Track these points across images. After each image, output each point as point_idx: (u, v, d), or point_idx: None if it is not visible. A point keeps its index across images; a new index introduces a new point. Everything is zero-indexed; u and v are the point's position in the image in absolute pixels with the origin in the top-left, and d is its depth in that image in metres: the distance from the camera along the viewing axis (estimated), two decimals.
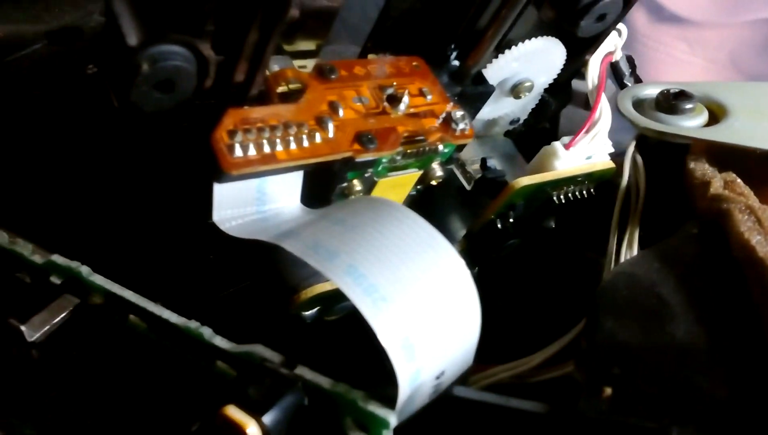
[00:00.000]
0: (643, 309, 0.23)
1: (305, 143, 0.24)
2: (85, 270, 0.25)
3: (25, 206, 0.29)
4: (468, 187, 0.32)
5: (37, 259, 0.26)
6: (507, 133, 0.35)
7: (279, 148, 0.23)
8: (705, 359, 0.21)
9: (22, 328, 0.25)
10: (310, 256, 0.21)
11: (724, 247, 0.25)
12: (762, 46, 0.61)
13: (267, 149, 0.23)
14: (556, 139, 0.32)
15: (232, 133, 0.23)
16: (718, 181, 0.28)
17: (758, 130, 0.31)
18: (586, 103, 0.35)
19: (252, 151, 0.23)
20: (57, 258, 0.26)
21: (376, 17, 0.28)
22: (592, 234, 0.33)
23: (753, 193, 0.28)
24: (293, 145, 0.24)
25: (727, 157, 0.30)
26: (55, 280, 0.26)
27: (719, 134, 0.31)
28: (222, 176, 0.23)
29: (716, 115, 0.32)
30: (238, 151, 0.23)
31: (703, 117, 0.32)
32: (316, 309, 0.29)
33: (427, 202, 0.31)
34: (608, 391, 0.21)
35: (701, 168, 0.30)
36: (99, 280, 0.25)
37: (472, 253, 0.32)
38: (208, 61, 0.22)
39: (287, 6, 0.21)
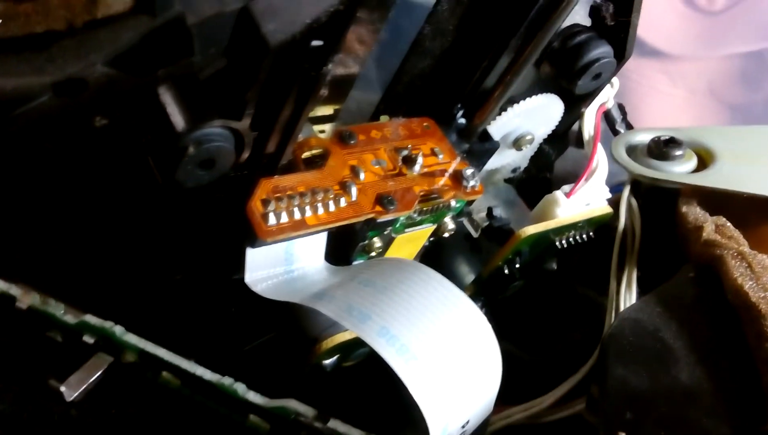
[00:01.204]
0: (650, 354, 0.25)
1: (331, 207, 0.26)
2: (118, 329, 0.26)
3: (54, 263, 0.31)
4: (475, 235, 0.34)
5: (70, 319, 0.27)
6: (508, 180, 0.37)
7: (308, 213, 0.25)
8: (708, 400, 0.23)
9: (62, 388, 0.26)
10: (344, 319, 0.23)
11: (720, 290, 0.27)
12: (738, 77, 0.64)
13: (297, 215, 0.25)
14: (552, 181, 0.34)
15: (265, 202, 0.25)
16: (710, 226, 0.30)
17: (744, 174, 0.33)
18: (578, 141, 0.37)
19: (284, 218, 0.25)
20: (90, 318, 0.27)
21: (387, 82, 0.30)
22: (594, 274, 0.35)
23: (742, 235, 0.30)
24: (321, 210, 0.25)
25: (717, 200, 0.33)
26: (88, 339, 0.27)
27: (708, 179, 0.33)
28: (257, 242, 0.24)
29: (704, 160, 0.34)
30: (272, 220, 0.24)
31: (693, 162, 0.34)
32: (335, 357, 0.31)
33: (438, 250, 0.33)
34: None
35: (693, 212, 0.32)
36: (132, 338, 0.26)
37: (481, 295, 0.34)
38: (245, 138, 0.24)
39: (320, 85, 0.23)
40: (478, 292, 0.34)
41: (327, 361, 0.30)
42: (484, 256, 0.34)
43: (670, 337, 0.25)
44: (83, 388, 0.26)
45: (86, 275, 0.30)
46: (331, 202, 0.26)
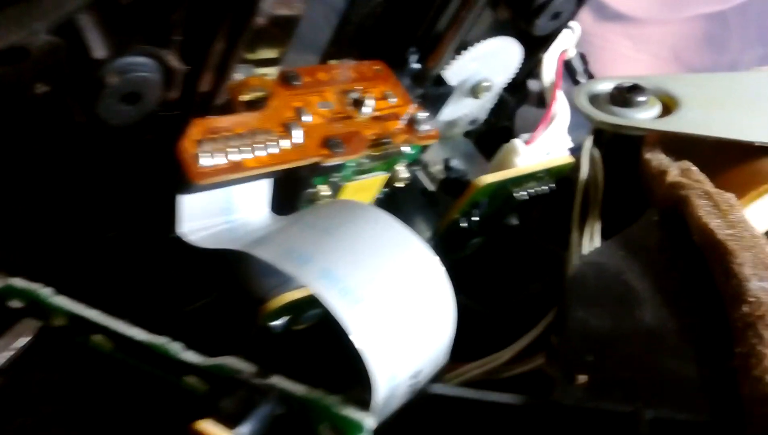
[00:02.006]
0: (612, 296, 0.23)
1: (273, 150, 0.24)
2: (46, 292, 0.24)
3: None
4: (432, 189, 0.32)
5: None
6: (466, 134, 0.36)
7: (247, 155, 0.23)
8: (673, 341, 0.22)
9: None
10: (283, 262, 0.21)
11: (685, 232, 0.26)
12: (702, 40, 0.63)
13: (235, 157, 0.23)
14: (513, 137, 0.32)
15: (198, 143, 0.23)
16: (674, 170, 0.29)
17: (709, 119, 0.32)
18: (540, 102, 0.36)
19: (220, 160, 0.23)
20: (16, 281, 0.25)
21: (335, 24, 0.29)
22: (555, 228, 0.34)
23: (708, 179, 0.29)
24: (261, 153, 0.24)
25: (682, 146, 0.31)
26: (15, 304, 0.25)
27: (672, 124, 0.31)
28: (190, 186, 0.23)
29: (669, 106, 0.33)
30: (206, 161, 0.23)
31: (657, 109, 0.33)
32: (285, 319, 0.29)
33: (393, 205, 0.31)
34: (582, 378, 0.21)
35: (657, 158, 0.31)
36: (62, 301, 0.24)
37: (438, 253, 0.32)
38: (175, 72, 0.22)
39: (253, 14, 0.21)
40: (435, 248, 0.32)
41: (275, 323, 0.29)
42: (442, 211, 0.32)
43: (634, 279, 0.24)
44: (9, 355, 0.24)
45: (10, 234, 0.28)
46: (272, 145, 0.24)
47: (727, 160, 0.31)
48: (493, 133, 0.36)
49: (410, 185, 0.32)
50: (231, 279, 0.28)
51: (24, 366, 0.25)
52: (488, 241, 0.34)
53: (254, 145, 0.24)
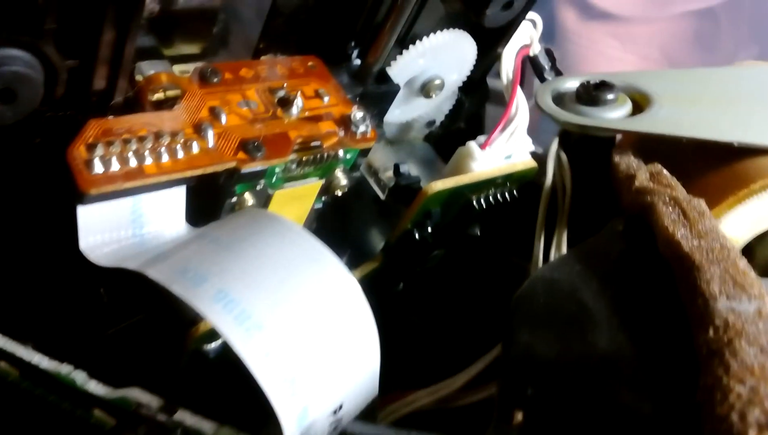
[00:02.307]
0: (563, 317, 0.20)
1: (180, 154, 0.21)
2: None
3: None
4: (382, 197, 0.29)
5: None
6: (426, 137, 0.33)
7: (148, 161, 0.21)
8: (630, 370, 0.19)
9: None
10: (175, 282, 0.18)
11: (651, 244, 0.23)
12: (692, 38, 0.60)
13: (133, 163, 0.20)
14: (467, 132, 0.30)
15: (91, 147, 0.20)
16: (643, 174, 0.26)
17: (684, 117, 0.29)
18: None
19: (115, 166, 0.20)
20: None
21: (263, 16, 0.26)
22: (519, 239, 0.31)
23: (682, 184, 0.26)
24: (165, 158, 0.21)
25: (654, 148, 0.29)
26: None
27: (643, 124, 0.29)
28: (82, 197, 0.20)
29: (640, 104, 0.30)
30: (98, 167, 0.20)
31: (627, 107, 0.30)
32: (220, 341, 0.26)
33: (339, 216, 0.29)
34: (519, 416, 0.18)
35: (626, 161, 0.28)
36: None
37: (392, 267, 0.30)
38: (56, 66, 0.19)
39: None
40: (389, 263, 0.29)
41: (209, 346, 0.26)
42: (394, 221, 0.29)
43: (590, 297, 0.21)
44: None
45: None
46: (179, 148, 0.21)
47: (705, 163, 0.28)
48: (454, 138, 0.33)
49: (359, 193, 0.29)
50: (159, 297, 0.25)
51: None
52: (449, 255, 0.31)
53: (158, 149, 0.21)
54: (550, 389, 0.19)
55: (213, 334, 0.26)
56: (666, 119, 0.29)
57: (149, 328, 0.27)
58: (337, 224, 0.29)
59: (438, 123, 0.32)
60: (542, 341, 0.20)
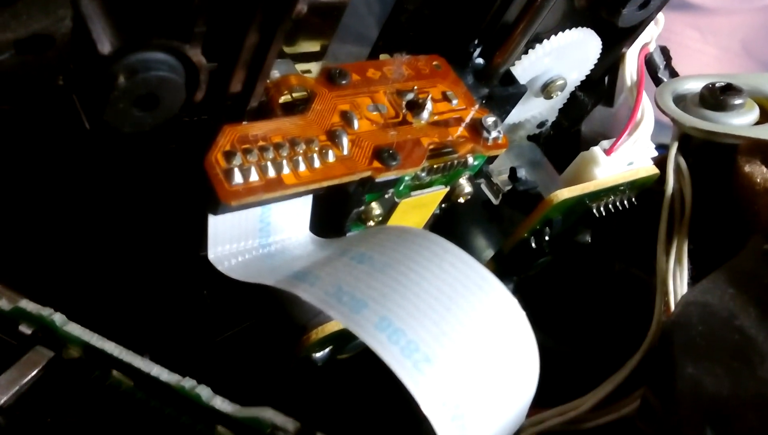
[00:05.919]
0: (727, 349, 0.19)
1: (316, 163, 0.20)
2: (58, 318, 0.21)
3: None
4: (495, 202, 0.28)
5: (4, 304, 0.22)
6: (531, 137, 0.32)
7: (286, 170, 0.20)
8: None
9: None
10: (332, 307, 0.17)
11: None
12: None
13: (272, 173, 0.19)
14: (579, 142, 0.28)
15: (229, 155, 0.19)
16: None
17: None
18: (607, 100, 0.32)
19: (254, 176, 0.19)
20: (26, 304, 0.22)
21: (387, 12, 0.25)
22: (633, 248, 0.30)
23: None
24: (303, 167, 0.20)
25: None
26: (25, 329, 0.22)
27: None
28: (219, 207, 0.19)
29: (767, 110, 0.29)
30: (238, 177, 0.19)
31: (755, 113, 0.28)
32: (327, 349, 0.25)
33: (449, 220, 0.27)
34: None
35: (760, 172, 0.26)
36: (75, 329, 0.21)
37: (500, 275, 0.28)
38: (199, 70, 0.18)
39: (293, 1, 0.17)
40: (498, 271, 0.28)
41: (318, 354, 0.25)
42: (506, 227, 0.28)
43: (751, 325, 0.20)
44: (14, 389, 0.21)
45: (24, 253, 0.25)
46: (315, 157, 0.20)
47: None
48: (562, 138, 0.32)
49: (472, 198, 0.27)
50: (268, 304, 0.25)
51: (32, 403, 0.21)
52: (557, 263, 0.29)
53: (295, 158, 0.20)
54: (729, 428, 0.17)
55: (325, 343, 0.25)
56: None
57: (258, 335, 0.26)
58: (447, 228, 0.28)
59: (549, 123, 0.31)
60: (710, 375, 0.18)
